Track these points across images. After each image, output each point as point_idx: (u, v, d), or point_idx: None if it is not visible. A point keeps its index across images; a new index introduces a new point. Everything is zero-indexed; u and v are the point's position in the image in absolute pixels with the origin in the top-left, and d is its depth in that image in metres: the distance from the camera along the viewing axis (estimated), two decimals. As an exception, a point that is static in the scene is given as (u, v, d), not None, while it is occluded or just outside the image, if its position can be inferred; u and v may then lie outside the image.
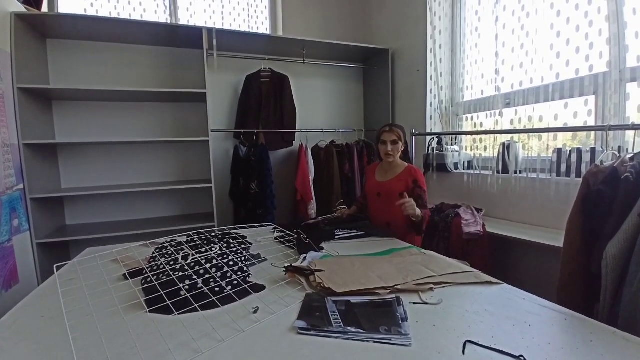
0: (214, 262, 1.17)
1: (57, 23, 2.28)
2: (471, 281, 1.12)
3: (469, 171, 2.55)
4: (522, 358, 0.71)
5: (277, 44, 2.90)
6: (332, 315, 0.90)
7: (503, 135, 2.25)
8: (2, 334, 0.84)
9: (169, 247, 1.34)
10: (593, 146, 1.78)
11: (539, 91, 2.03)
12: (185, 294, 0.96)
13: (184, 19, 3.04)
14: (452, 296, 1.03)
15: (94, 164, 2.64)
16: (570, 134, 2.01)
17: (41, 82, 2.33)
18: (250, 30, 3.23)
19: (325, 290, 1.03)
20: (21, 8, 2.09)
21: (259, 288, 1.08)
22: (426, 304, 0.98)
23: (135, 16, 2.87)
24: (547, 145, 2.04)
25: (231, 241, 1.44)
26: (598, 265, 1.16)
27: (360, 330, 0.83)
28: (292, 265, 1.17)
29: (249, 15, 3.28)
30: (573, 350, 0.75)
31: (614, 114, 1.72)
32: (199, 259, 1.18)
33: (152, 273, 1.10)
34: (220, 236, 1.52)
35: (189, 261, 1.16)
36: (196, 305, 0.91)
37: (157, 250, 1.35)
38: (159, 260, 1.20)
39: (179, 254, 1.22)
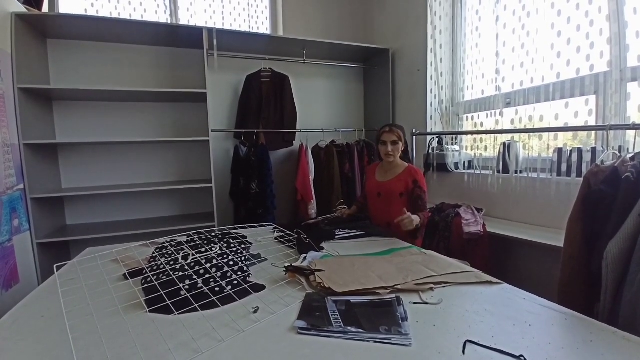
0: (214, 262, 1.17)
1: (57, 23, 2.28)
2: (471, 281, 1.12)
3: (469, 171, 2.55)
4: (522, 358, 0.71)
5: (278, 44, 2.90)
6: (332, 315, 0.90)
7: (503, 135, 2.25)
8: (2, 334, 0.84)
9: (169, 247, 1.34)
10: (594, 146, 1.78)
11: (539, 91, 2.03)
12: (185, 294, 0.96)
13: (184, 19, 3.04)
14: (453, 296, 1.02)
15: (94, 164, 2.64)
16: (570, 133, 2.01)
17: (41, 82, 2.33)
18: (251, 30, 3.23)
19: (326, 290, 1.03)
20: (22, 8, 2.09)
21: (259, 288, 1.08)
22: (426, 303, 0.98)
23: (136, 16, 2.87)
24: (548, 144, 2.03)
25: (231, 241, 1.44)
26: (598, 265, 1.15)
27: (361, 330, 0.83)
28: (292, 265, 1.17)
29: (249, 15, 3.28)
30: (573, 350, 0.75)
31: (614, 114, 1.72)
32: (199, 258, 1.18)
33: (152, 273, 1.10)
34: (220, 236, 1.52)
35: (189, 261, 1.16)
36: (196, 305, 0.91)
37: (157, 250, 1.35)
38: (159, 260, 1.20)
39: (179, 254, 1.22)
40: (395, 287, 1.05)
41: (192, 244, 1.37)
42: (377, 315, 0.90)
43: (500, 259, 2.08)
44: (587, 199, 1.29)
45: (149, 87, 2.63)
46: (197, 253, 1.24)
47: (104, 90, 2.38)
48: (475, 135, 2.53)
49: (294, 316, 0.90)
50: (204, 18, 3.11)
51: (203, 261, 1.15)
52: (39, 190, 2.18)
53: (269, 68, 2.95)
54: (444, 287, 1.08)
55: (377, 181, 1.95)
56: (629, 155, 1.31)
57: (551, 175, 1.94)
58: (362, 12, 3.57)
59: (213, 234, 1.52)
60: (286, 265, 1.16)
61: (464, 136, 2.69)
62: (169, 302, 0.92)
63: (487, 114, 2.43)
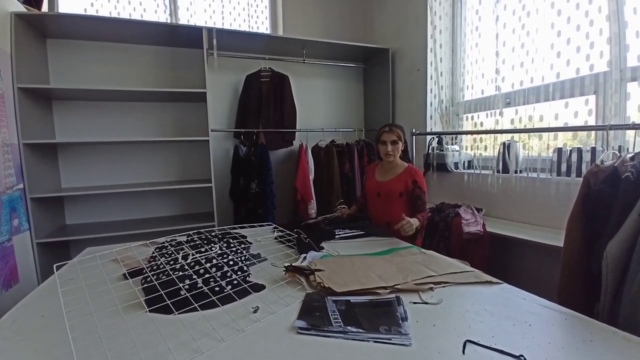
0: (214, 261, 1.16)
1: (57, 23, 2.28)
2: (471, 281, 1.12)
3: (469, 171, 2.55)
4: (522, 358, 0.71)
5: (277, 44, 2.90)
6: (332, 315, 0.89)
7: (503, 134, 2.25)
8: (2, 334, 0.84)
9: (169, 247, 1.34)
10: (593, 146, 1.78)
11: (539, 90, 2.03)
12: (185, 294, 0.95)
13: (184, 19, 3.04)
14: (452, 296, 1.02)
15: (94, 163, 2.64)
16: (570, 133, 2.01)
17: (41, 82, 2.33)
18: (251, 30, 3.22)
19: (325, 290, 1.03)
20: (21, 8, 2.09)
21: (259, 288, 1.08)
22: (426, 303, 0.98)
23: (135, 16, 2.87)
24: (548, 144, 2.03)
25: (231, 241, 1.44)
26: (598, 264, 1.15)
27: (360, 330, 0.83)
28: (292, 264, 1.17)
29: (249, 14, 3.28)
30: (573, 350, 0.75)
31: (614, 114, 1.72)
32: (199, 258, 1.18)
33: (152, 273, 1.10)
34: (220, 236, 1.52)
35: (188, 261, 1.16)
36: (196, 305, 0.91)
37: (157, 250, 1.35)
38: (159, 260, 1.20)
39: (178, 254, 1.22)
40: (395, 286, 1.05)
41: (192, 243, 1.37)
42: (377, 315, 0.90)
43: (500, 259, 2.08)
44: (587, 199, 1.29)
45: (149, 86, 2.63)
46: (197, 253, 1.24)
47: (104, 90, 2.38)
48: (475, 135, 2.53)
49: (293, 316, 0.90)
50: (204, 18, 3.11)
51: (203, 261, 1.15)
52: (38, 190, 2.18)
53: (269, 68, 2.95)
54: (443, 287, 1.08)
55: (377, 181, 1.95)
56: (629, 155, 1.32)
57: (551, 175, 1.94)
58: (362, 11, 3.57)
59: (213, 234, 1.52)
60: (286, 265, 1.16)
61: (463, 136, 2.69)
62: (168, 301, 0.92)
63: (487, 114, 2.43)
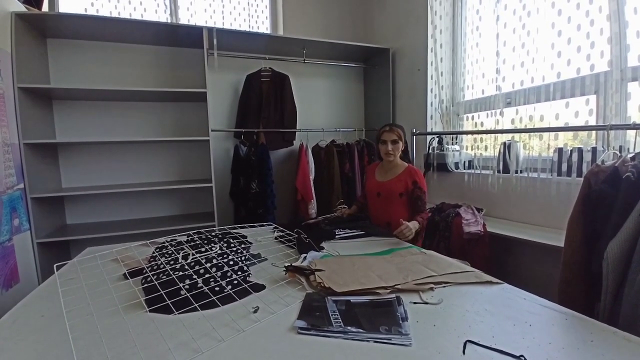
0: (214, 261, 1.16)
1: (57, 22, 2.28)
2: (471, 281, 1.12)
3: (469, 171, 2.55)
4: (522, 358, 0.71)
5: (278, 44, 2.90)
6: (332, 315, 0.89)
7: (504, 134, 2.25)
8: (2, 334, 0.84)
9: (169, 247, 1.34)
10: (594, 145, 1.78)
11: (539, 90, 2.03)
12: (185, 294, 0.95)
13: (184, 19, 3.04)
14: (453, 296, 1.02)
15: (94, 163, 2.64)
16: (571, 133, 2.01)
17: (41, 82, 2.33)
18: (251, 30, 3.22)
19: (326, 290, 1.03)
20: (21, 8, 2.09)
21: (259, 288, 1.08)
22: (426, 303, 0.97)
23: (136, 16, 2.87)
24: (548, 144, 2.03)
25: (231, 241, 1.44)
26: (599, 264, 1.15)
27: (361, 330, 0.83)
28: (292, 264, 1.17)
29: (249, 14, 3.28)
30: (574, 350, 0.75)
31: (615, 114, 1.71)
32: (199, 258, 1.18)
33: (152, 272, 1.10)
34: (220, 236, 1.52)
35: (189, 261, 1.16)
36: (196, 305, 0.91)
37: (157, 250, 1.35)
38: (159, 260, 1.20)
39: (179, 254, 1.22)
40: (395, 287, 1.05)
41: (192, 243, 1.37)
42: (377, 315, 0.89)
43: (500, 259, 2.08)
44: (588, 199, 1.29)
45: (149, 86, 2.63)
46: (197, 253, 1.24)
47: (104, 89, 2.38)
48: (475, 135, 2.53)
49: (294, 316, 0.90)
50: (204, 17, 3.11)
51: (203, 261, 1.15)
52: (39, 189, 2.18)
53: (269, 67, 2.95)
54: (444, 287, 1.08)
55: (377, 181, 1.95)
56: (630, 155, 1.31)
57: (551, 175, 1.94)
58: (362, 11, 3.57)
59: (213, 234, 1.52)
60: (286, 265, 1.16)
61: (464, 136, 2.69)
62: (168, 301, 0.92)
63: (487, 114, 2.43)
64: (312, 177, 2.89)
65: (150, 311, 0.92)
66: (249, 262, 1.29)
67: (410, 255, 1.35)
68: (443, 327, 0.85)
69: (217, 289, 1.02)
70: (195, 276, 1.05)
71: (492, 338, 0.79)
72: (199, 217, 2.77)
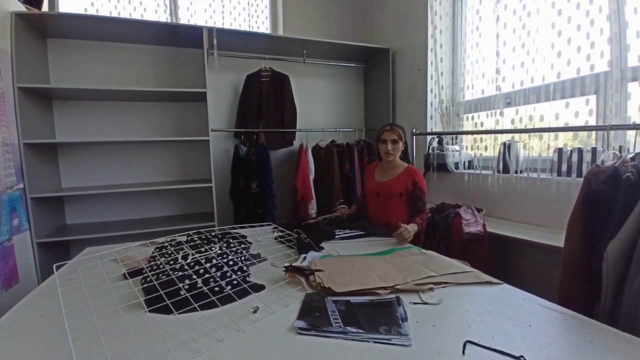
0: (214, 261, 1.16)
1: (57, 22, 2.28)
2: (471, 281, 1.12)
3: (469, 171, 2.55)
4: (522, 358, 0.71)
5: (278, 44, 2.90)
6: (332, 315, 0.89)
7: (504, 134, 2.25)
8: (2, 334, 0.84)
9: (169, 247, 1.33)
10: (594, 146, 1.78)
11: (539, 90, 2.03)
12: (185, 294, 0.95)
13: (184, 19, 3.04)
14: (452, 296, 1.02)
15: (94, 163, 2.64)
16: (571, 133, 2.01)
17: (41, 82, 2.33)
18: (251, 30, 3.22)
19: (325, 290, 1.03)
20: (21, 7, 2.09)
21: (258, 288, 1.08)
22: (426, 304, 0.97)
23: (136, 15, 2.87)
24: (548, 144, 2.03)
25: (231, 241, 1.44)
26: (599, 265, 1.15)
27: (360, 330, 0.83)
28: (292, 265, 1.17)
29: (249, 14, 3.28)
30: (574, 350, 0.75)
31: (615, 114, 1.71)
32: (199, 258, 1.17)
33: (152, 273, 1.10)
34: (220, 236, 1.52)
35: (188, 261, 1.16)
36: (196, 305, 0.91)
37: (157, 250, 1.35)
38: (159, 260, 1.20)
39: (178, 254, 1.22)
40: (395, 287, 1.05)
41: (191, 243, 1.37)
42: (377, 315, 0.89)
43: (500, 259, 2.08)
44: (588, 199, 1.29)
45: (149, 86, 2.63)
46: (196, 253, 1.23)
47: (104, 89, 2.38)
48: (475, 135, 2.53)
49: (293, 316, 0.90)
50: (204, 17, 3.11)
51: (203, 261, 1.15)
52: (38, 189, 2.18)
53: (269, 67, 2.95)
54: (444, 287, 1.08)
55: (377, 181, 1.95)
56: (630, 155, 1.31)
57: (551, 175, 1.94)
58: (362, 11, 3.57)
59: (213, 234, 1.52)
60: (286, 265, 1.16)
61: (464, 136, 2.69)
62: (168, 302, 0.92)
63: (487, 114, 2.43)
64: (312, 177, 2.89)
65: (149, 311, 0.92)
66: (248, 262, 1.29)
67: (410, 256, 1.35)
68: (443, 328, 0.85)
69: (216, 289, 1.02)
70: (194, 276, 1.05)
71: (491, 338, 0.79)
72: (198, 217, 2.76)
